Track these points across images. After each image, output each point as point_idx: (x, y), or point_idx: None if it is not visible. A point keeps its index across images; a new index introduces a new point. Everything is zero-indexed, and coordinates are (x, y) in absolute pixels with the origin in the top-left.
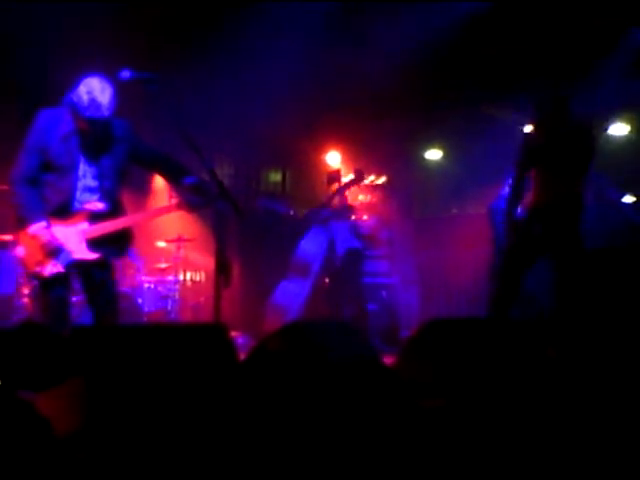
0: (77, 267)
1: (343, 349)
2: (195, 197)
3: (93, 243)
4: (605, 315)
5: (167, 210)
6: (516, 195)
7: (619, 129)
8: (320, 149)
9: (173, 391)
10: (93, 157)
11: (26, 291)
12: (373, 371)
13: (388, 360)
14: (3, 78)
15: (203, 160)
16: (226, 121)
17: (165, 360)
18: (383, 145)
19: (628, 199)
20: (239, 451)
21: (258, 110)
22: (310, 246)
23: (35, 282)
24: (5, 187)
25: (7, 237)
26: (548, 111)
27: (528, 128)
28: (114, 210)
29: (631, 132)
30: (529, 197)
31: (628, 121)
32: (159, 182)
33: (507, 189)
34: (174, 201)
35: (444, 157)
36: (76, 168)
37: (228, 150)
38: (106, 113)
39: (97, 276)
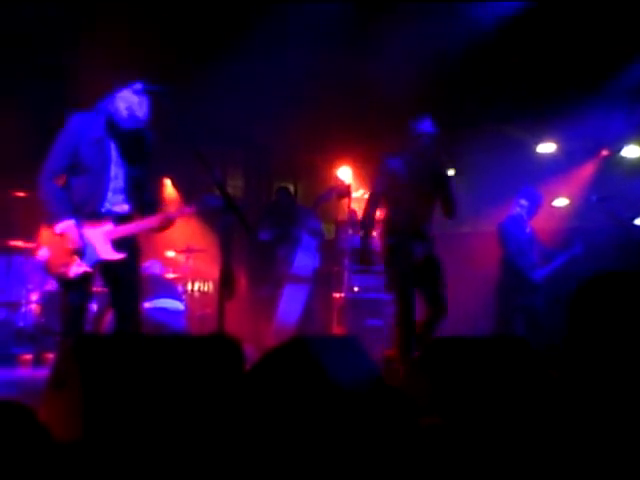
0: (102, 268)
1: (346, 365)
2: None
3: (118, 244)
4: (611, 339)
5: (187, 212)
6: None
7: (632, 151)
8: (332, 163)
9: (176, 400)
10: (124, 160)
11: (34, 297)
12: (375, 389)
13: None
14: (13, 84)
15: (212, 174)
16: (238, 133)
17: (170, 369)
18: None
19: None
20: (239, 463)
21: (270, 122)
22: (305, 257)
23: (46, 289)
24: (17, 194)
25: (18, 243)
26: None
27: (541, 147)
28: (138, 212)
29: None
30: None
31: None
32: (169, 190)
33: (517, 209)
34: (193, 206)
35: (456, 175)
36: (107, 171)
37: (239, 162)
38: (143, 125)
39: (121, 275)
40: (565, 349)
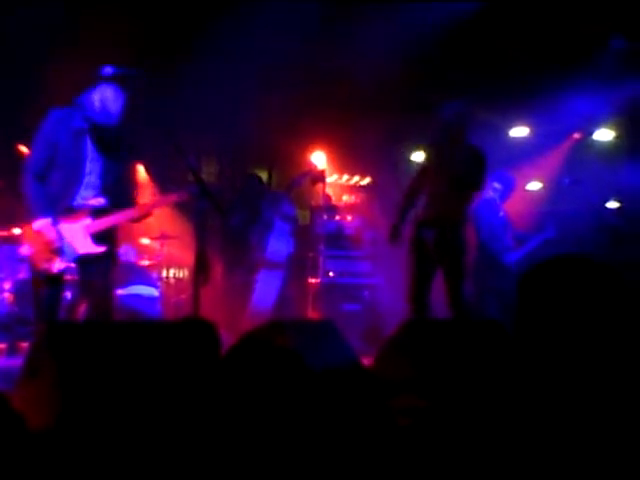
0: (80, 259)
1: (321, 349)
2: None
3: (97, 237)
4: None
5: (170, 200)
6: None
7: (604, 134)
8: (306, 149)
9: (151, 386)
10: (101, 155)
11: (7, 286)
12: (349, 372)
13: (368, 360)
14: None
15: (186, 159)
16: (212, 120)
17: (145, 356)
18: (368, 146)
19: (611, 205)
20: (215, 447)
21: (244, 109)
22: (278, 242)
23: (18, 278)
24: None
25: None
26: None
27: (514, 131)
28: (115, 205)
29: (616, 138)
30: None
31: (613, 127)
32: (142, 176)
33: (490, 193)
34: (181, 192)
35: None
36: (82, 166)
37: (213, 148)
38: (114, 121)
39: (97, 265)
40: (514, 332)
